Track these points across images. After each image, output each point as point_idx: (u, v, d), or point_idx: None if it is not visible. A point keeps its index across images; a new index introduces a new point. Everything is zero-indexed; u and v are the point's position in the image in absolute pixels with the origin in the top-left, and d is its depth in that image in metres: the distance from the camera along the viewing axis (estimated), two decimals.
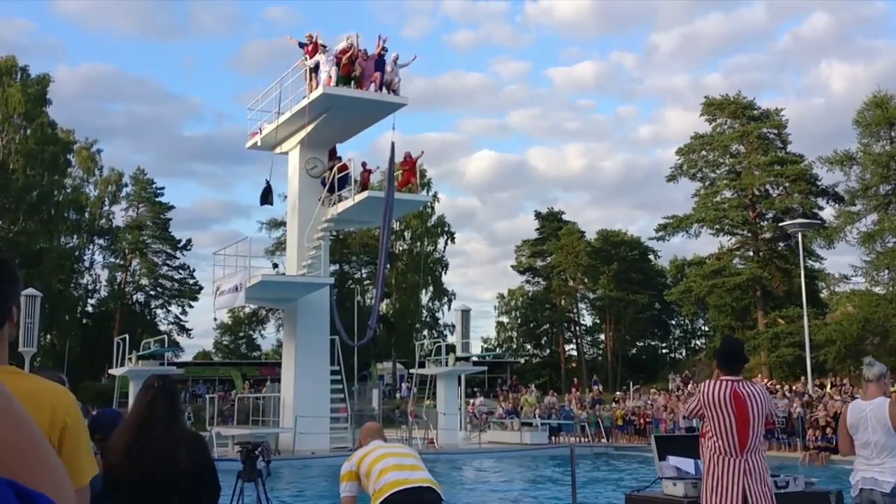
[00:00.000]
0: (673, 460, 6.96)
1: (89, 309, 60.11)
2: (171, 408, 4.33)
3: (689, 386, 37.78)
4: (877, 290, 47.77)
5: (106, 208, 59.40)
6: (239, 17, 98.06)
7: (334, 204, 27.17)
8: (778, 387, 33.81)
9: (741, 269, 52.14)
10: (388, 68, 25.66)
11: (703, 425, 6.02)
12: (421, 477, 5.54)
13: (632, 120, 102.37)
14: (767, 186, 52.42)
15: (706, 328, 64.52)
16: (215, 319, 54.90)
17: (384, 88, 25.62)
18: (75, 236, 56.51)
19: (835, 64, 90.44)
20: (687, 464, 6.71)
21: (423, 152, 28.21)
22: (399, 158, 26.63)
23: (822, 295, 53.88)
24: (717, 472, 5.83)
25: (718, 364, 6.15)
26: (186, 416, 30.09)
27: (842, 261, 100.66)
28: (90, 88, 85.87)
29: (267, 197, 28.54)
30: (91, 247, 59.14)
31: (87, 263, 59.12)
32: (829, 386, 33.08)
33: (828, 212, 51.09)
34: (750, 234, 53.13)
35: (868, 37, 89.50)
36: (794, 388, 32.58)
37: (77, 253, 57.03)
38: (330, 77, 24.98)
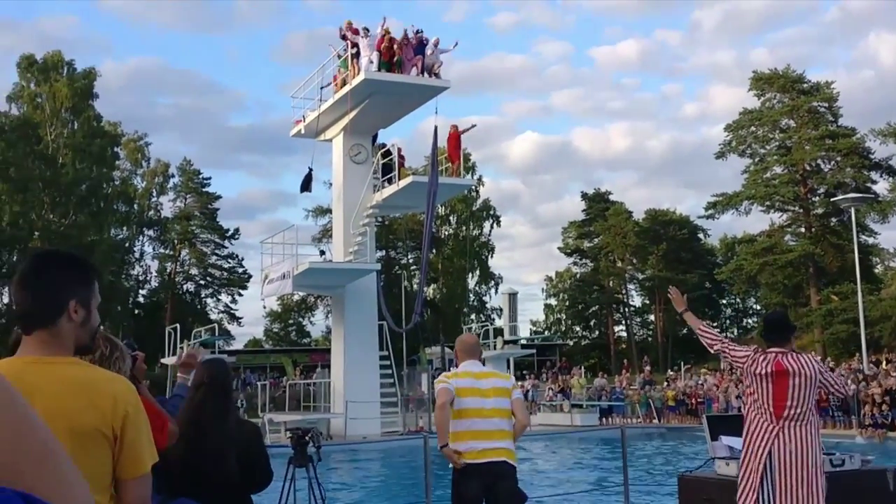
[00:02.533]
0: (725, 440, 6.84)
1: (140, 299, 61.15)
2: (222, 405, 4.37)
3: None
4: None
5: (154, 199, 60.37)
6: (280, 8, 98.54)
7: (379, 190, 27.20)
8: (832, 364, 33.26)
9: (793, 246, 51.28)
10: (429, 52, 25.56)
11: (747, 385, 5.95)
12: (496, 448, 5.50)
13: (677, 98, 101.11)
14: (819, 161, 51.42)
15: (758, 307, 63.65)
16: (264, 307, 55.50)
17: (426, 73, 25.52)
18: (125, 228, 57.44)
19: (884, 35, 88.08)
20: (739, 443, 6.58)
21: (474, 125, 28.16)
22: (446, 134, 26.74)
23: (876, 270, 52.89)
24: (752, 428, 5.78)
25: (763, 339, 6.13)
26: (239, 404, 30.53)
27: None
28: (137, 82, 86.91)
29: (307, 184, 28.58)
30: (141, 238, 60.19)
31: (137, 255, 60.20)
32: (884, 362, 32.44)
33: (881, 185, 50.08)
34: (801, 210, 52.19)
35: None
36: (849, 365, 32.02)
37: (127, 244, 57.99)
38: (371, 62, 24.96)
